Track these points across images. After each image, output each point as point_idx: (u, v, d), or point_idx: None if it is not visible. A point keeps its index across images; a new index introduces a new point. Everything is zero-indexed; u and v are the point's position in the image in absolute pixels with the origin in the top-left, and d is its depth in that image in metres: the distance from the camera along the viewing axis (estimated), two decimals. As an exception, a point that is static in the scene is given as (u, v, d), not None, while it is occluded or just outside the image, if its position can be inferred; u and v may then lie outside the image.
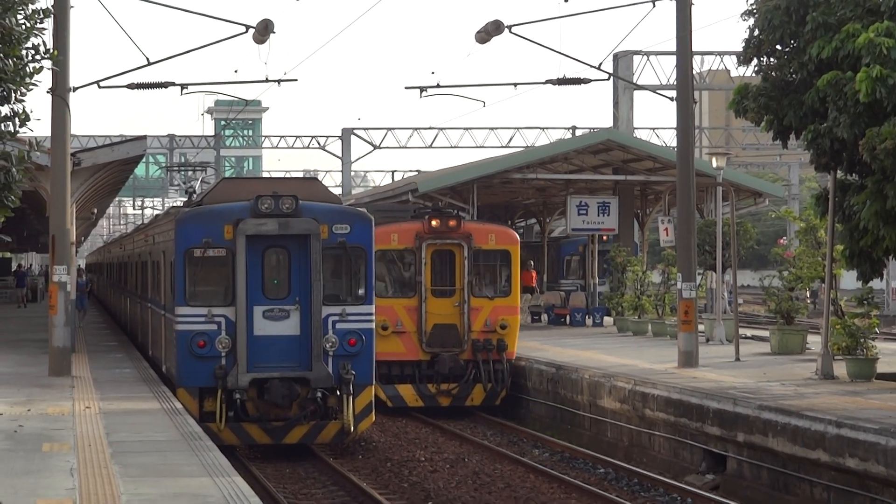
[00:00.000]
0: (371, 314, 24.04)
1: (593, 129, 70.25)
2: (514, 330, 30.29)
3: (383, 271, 29.83)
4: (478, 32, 29.04)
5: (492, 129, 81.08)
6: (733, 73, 67.03)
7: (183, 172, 59.82)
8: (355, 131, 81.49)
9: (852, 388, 23.24)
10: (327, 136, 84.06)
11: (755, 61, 24.02)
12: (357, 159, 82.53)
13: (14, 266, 76.09)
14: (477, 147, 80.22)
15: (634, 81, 58.78)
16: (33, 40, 14.40)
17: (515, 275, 30.57)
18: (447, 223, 29.92)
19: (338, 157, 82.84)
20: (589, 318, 43.28)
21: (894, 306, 63.11)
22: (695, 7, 27.79)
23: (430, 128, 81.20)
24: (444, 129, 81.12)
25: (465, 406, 29.92)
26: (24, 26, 14.20)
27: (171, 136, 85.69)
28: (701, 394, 22.49)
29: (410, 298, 29.79)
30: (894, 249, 22.27)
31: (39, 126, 19.31)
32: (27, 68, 14.30)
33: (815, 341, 30.49)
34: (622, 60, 59.67)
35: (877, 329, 26.30)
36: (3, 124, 14.21)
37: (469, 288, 29.80)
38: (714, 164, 34.04)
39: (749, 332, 37.42)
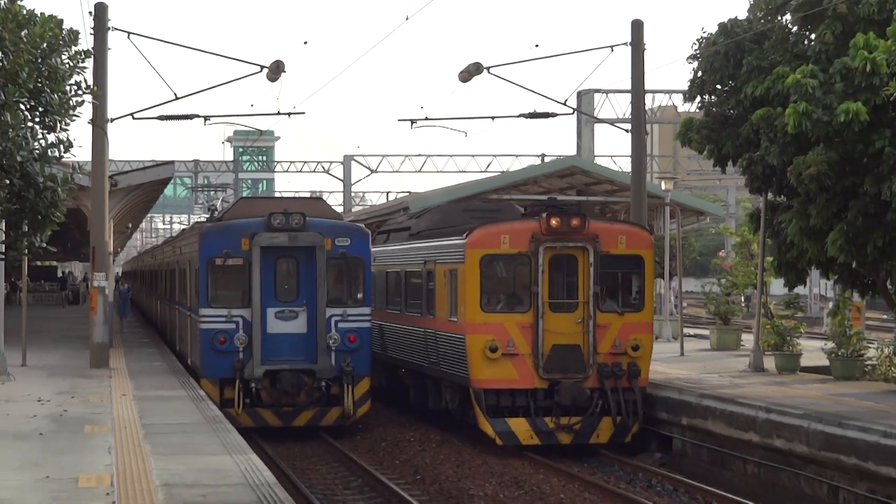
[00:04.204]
0: (368, 315, 24.02)
1: (560, 156, 70.21)
2: (647, 352, 22.25)
3: (491, 280, 22.19)
4: (461, 72, 29.05)
5: (472, 156, 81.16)
6: (680, 109, 67.06)
7: (206, 192, 59.82)
8: (355, 158, 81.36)
9: (780, 380, 23.30)
10: (331, 162, 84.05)
11: (699, 98, 24.13)
12: (356, 182, 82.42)
13: (60, 273, 76.04)
14: (459, 171, 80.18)
15: (595, 115, 58.78)
16: (76, 77, 14.34)
17: (649, 285, 22.66)
18: (569, 222, 21.86)
19: (340, 179, 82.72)
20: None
21: (816, 310, 63.23)
22: (646, 52, 27.88)
23: (419, 155, 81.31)
24: (432, 156, 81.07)
25: (589, 444, 22.02)
26: (67, 65, 14.18)
27: (196, 161, 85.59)
28: (651, 384, 22.50)
29: (524, 314, 21.72)
30: (816, 261, 22.42)
31: (81, 152, 19.32)
32: (70, 102, 14.26)
33: (748, 339, 30.59)
34: (584, 97, 59.64)
35: (801, 330, 26.47)
36: (50, 150, 14.16)
37: (595, 301, 21.92)
38: (663, 187, 34.12)
39: (692, 331, 37.48)
